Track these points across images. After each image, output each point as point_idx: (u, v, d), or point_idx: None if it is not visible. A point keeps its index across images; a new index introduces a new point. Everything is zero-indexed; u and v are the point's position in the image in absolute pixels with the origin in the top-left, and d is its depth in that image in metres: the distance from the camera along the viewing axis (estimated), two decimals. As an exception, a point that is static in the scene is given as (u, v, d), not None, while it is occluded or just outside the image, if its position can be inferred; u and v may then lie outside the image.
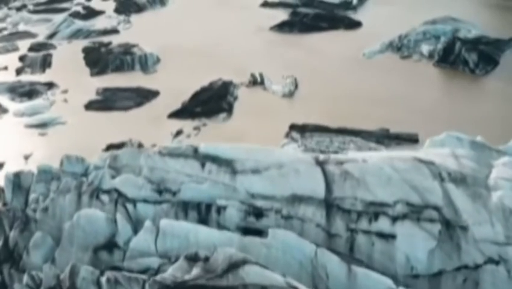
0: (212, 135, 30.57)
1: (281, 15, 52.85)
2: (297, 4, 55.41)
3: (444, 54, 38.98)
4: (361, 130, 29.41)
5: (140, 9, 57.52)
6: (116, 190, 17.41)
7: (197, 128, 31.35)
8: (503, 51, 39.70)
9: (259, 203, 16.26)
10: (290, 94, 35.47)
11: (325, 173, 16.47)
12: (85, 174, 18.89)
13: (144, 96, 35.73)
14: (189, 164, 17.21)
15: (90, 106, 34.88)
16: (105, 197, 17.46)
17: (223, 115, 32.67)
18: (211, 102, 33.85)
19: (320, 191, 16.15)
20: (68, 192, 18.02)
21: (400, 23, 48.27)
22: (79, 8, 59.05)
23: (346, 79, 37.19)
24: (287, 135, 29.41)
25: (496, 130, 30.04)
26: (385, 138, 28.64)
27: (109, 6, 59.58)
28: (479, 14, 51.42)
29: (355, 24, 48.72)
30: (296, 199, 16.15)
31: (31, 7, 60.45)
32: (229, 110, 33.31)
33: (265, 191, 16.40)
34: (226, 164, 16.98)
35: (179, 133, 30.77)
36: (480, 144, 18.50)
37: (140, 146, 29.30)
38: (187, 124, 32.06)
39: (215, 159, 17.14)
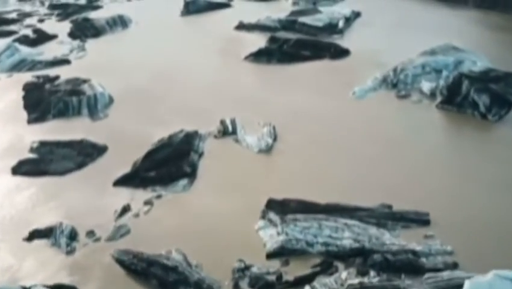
0: (165, 214, 23.96)
1: (258, 40, 46.49)
2: (277, 27, 49.16)
3: (449, 94, 32.97)
4: (357, 207, 23.06)
5: (97, 32, 50.58)
6: None
7: (148, 202, 24.68)
8: (516, 88, 33.87)
9: None
10: (268, 149, 29.04)
11: None
12: None
13: (87, 153, 28.95)
14: None
15: (19, 169, 27.98)
16: None
17: (183, 182, 26.05)
18: (170, 162, 27.23)
19: None
20: None
21: (393, 49, 42.57)
22: (29, 32, 52.00)
23: (332, 128, 30.89)
24: (263, 215, 22.91)
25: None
26: (388, 218, 22.36)
27: (64, 29, 52.61)
28: (482, 38, 45.94)
29: (342, 53, 42.55)
30: None
31: (-27, 31, 53.22)
32: (192, 174, 26.72)
33: None
34: None
35: (125, 210, 24.08)
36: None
37: (73, 233, 22.63)
38: (138, 195, 25.37)
39: None
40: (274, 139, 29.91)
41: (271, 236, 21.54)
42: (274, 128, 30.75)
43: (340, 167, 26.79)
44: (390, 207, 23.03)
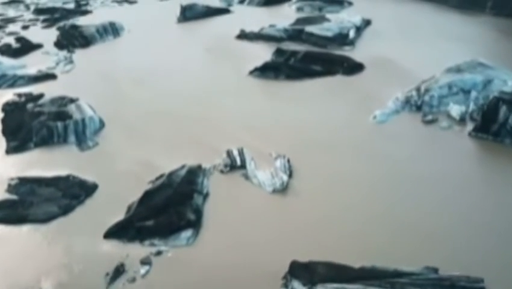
0: (166, 278, 20.01)
1: (263, 52, 42.65)
2: (282, 37, 45.29)
3: (483, 121, 29.29)
4: (398, 271, 19.24)
5: (87, 42, 46.47)
6: None
7: (146, 262, 20.73)
8: (556, 113, 30.23)
9: None
10: (283, 189, 25.20)
11: None
12: None
13: (74, 194, 24.94)
14: None
15: (-7, 214, 23.98)
16: None
17: (186, 233, 22.14)
18: (170, 208, 23.30)
19: None
20: None
21: (411, 62, 39.02)
22: (12, 40, 47.74)
23: (354, 161, 27.11)
24: (286, 282, 19.08)
25: None
26: (436, 286, 18.62)
27: (50, 37, 48.37)
28: (504, 48, 42.26)
29: (356, 68, 38.78)
30: None
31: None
32: (197, 222, 22.80)
33: None
34: None
35: (118, 272, 20.14)
36: None
37: (55, 305, 18.67)
38: (133, 251, 21.42)
39: None
40: (290, 175, 26.07)
41: (296, 313, 17.74)
42: (288, 161, 26.96)
43: (368, 213, 22.96)
44: (436, 270, 19.30)
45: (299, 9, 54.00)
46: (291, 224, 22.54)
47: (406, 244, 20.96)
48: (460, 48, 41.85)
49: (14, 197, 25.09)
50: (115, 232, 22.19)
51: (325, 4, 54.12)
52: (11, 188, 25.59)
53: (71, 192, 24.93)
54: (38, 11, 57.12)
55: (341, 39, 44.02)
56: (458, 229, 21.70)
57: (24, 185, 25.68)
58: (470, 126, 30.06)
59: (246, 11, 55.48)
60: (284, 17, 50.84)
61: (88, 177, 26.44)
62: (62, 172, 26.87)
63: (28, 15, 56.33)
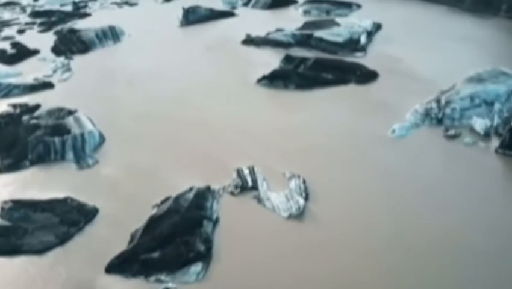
0: (178, 322, 18.16)
1: (270, 58, 40.70)
2: (290, 42, 43.27)
3: (511, 138, 27.34)
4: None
5: (85, 48, 44.46)
6: None
7: (153, 301, 18.81)
8: None
9: None
10: (299, 213, 23.23)
11: None
12: None
13: (72, 220, 22.93)
14: None
15: (-17, 244, 21.97)
16: None
17: (196, 267, 20.17)
18: (177, 237, 21.33)
19: None
20: None
21: (428, 69, 37.23)
22: (7, 45, 45.67)
23: (374, 181, 25.10)
24: (308, 327, 17.15)
25: None
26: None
27: (47, 43, 46.30)
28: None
29: (370, 76, 36.82)
30: None
31: None
32: (207, 254, 20.82)
33: None
34: None
35: (122, 315, 18.20)
36: None
37: None
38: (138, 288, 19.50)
39: None
40: (306, 198, 24.08)
41: None
42: (304, 182, 24.98)
43: (394, 240, 21.05)
44: (474, 314, 17.33)
45: (306, 12, 52.04)
46: (310, 255, 20.58)
47: (436, 275, 19.04)
48: (477, 53, 40.18)
49: (6, 223, 23.07)
50: (118, 265, 20.23)
51: (333, 7, 52.17)
52: (3, 213, 23.58)
53: (70, 218, 22.93)
54: (35, 14, 55.10)
55: (352, 45, 42.06)
56: (487, 256, 19.78)
57: (18, 210, 23.65)
58: (495, 142, 28.15)
59: (251, 14, 53.51)
60: (290, 21, 48.92)
61: (87, 199, 24.46)
62: (59, 194, 24.87)
63: (24, 19, 54.23)
